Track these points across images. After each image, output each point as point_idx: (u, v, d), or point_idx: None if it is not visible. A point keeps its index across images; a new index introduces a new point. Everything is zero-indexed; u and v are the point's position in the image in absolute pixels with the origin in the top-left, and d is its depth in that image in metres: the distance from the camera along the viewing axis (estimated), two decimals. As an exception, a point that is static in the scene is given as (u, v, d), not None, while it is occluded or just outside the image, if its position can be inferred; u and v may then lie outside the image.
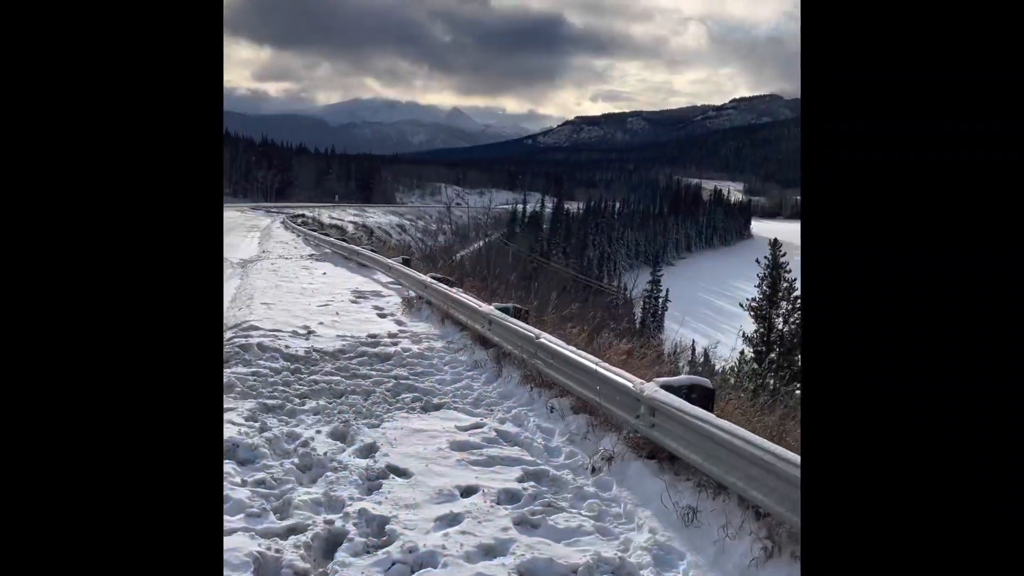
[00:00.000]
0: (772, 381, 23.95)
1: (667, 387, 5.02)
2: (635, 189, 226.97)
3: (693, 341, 36.62)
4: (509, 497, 4.54)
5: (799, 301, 29.37)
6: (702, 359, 26.59)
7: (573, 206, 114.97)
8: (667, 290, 66.03)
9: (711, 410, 4.97)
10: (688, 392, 5.00)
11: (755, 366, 27.90)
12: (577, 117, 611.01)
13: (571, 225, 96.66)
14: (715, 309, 73.62)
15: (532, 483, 4.78)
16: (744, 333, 29.43)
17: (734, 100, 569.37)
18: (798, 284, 30.23)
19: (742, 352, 28.67)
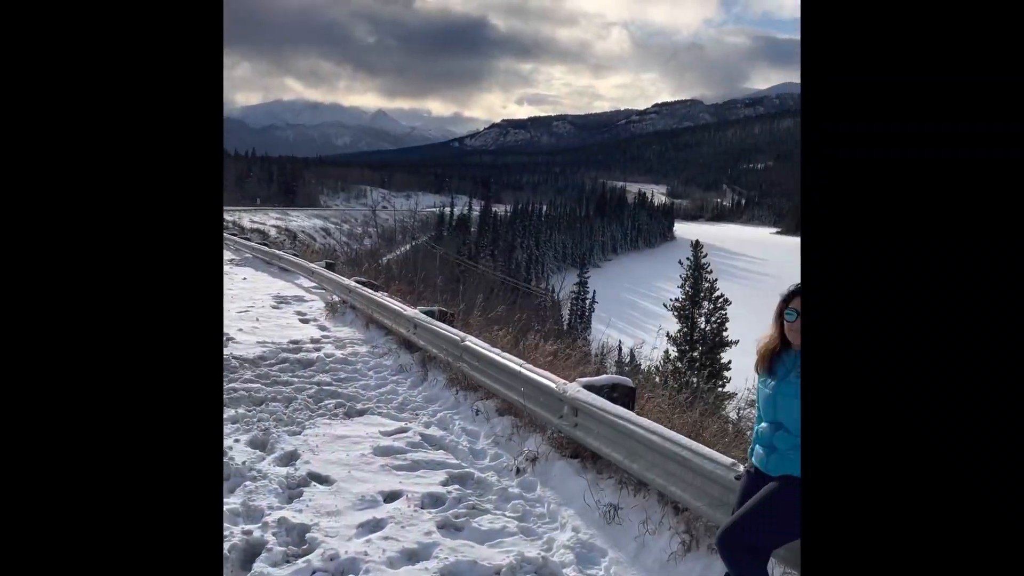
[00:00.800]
0: (695, 379, 24.57)
1: (589, 387, 5.09)
2: (562, 192, 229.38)
3: (620, 341, 37.20)
4: (433, 501, 4.52)
5: (720, 300, 30.23)
6: (628, 359, 27.02)
7: (501, 209, 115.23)
8: (594, 291, 66.91)
9: (632, 408, 5.06)
10: (610, 391, 5.08)
11: (678, 364, 28.58)
12: (503, 120, 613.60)
13: (499, 228, 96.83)
14: (641, 310, 74.97)
15: (457, 486, 4.77)
16: (668, 333, 30.05)
17: (656, 105, 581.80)
18: (719, 284, 31.12)
19: (666, 351, 29.29)
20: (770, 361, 3.03)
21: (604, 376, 5.43)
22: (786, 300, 2.99)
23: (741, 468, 3.39)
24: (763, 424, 3.07)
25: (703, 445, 3.95)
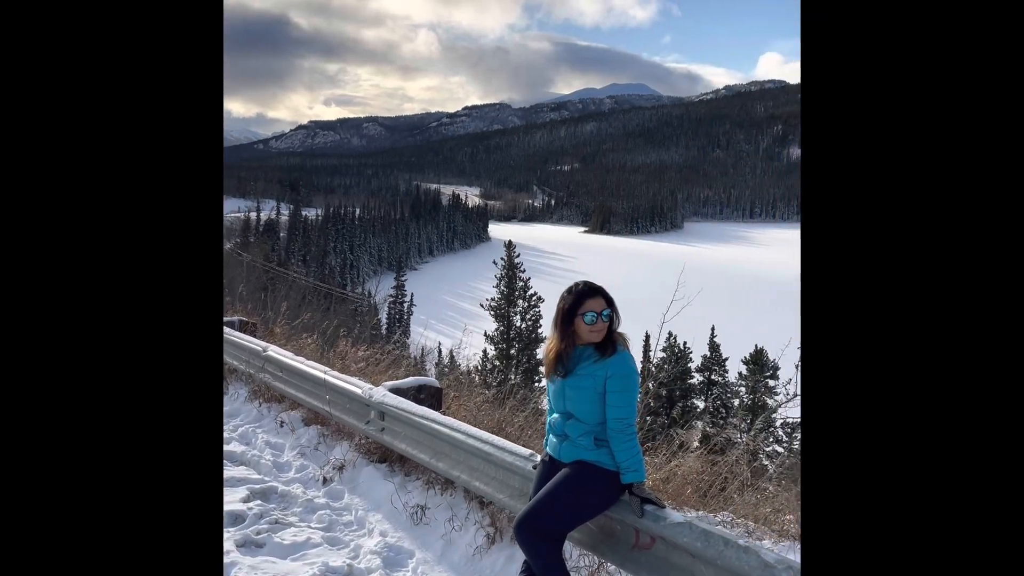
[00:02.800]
0: (513, 376, 25.19)
1: (396, 390, 5.08)
2: (375, 194, 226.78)
3: (439, 343, 37.37)
4: (233, 519, 4.31)
5: (534, 298, 31.19)
6: (448, 360, 27.20)
7: (311, 213, 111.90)
8: (412, 294, 66.71)
9: (440, 408, 5.10)
10: (416, 393, 5.09)
11: (496, 363, 29.17)
12: (311, 121, 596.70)
13: (310, 232, 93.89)
14: (459, 311, 75.77)
15: (259, 501, 4.57)
16: (485, 332, 30.57)
17: (467, 107, 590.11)
18: (533, 283, 32.10)
19: (484, 351, 29.79)
20: (557, 363, 3.11)
21: (411, 379, 5.43)
22: (576, 304, 3.04)
23: (538, 458, 3.50)
24: (555, 415, 3.20)
25: (506, 440, 4.06)
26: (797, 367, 11.52)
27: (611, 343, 3.05)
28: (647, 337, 32.07)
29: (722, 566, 2.78)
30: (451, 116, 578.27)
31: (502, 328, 31.19)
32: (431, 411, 4.66)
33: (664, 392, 28.01)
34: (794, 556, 3.54)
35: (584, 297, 3.04)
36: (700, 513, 4.10)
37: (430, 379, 5.44)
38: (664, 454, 4.82)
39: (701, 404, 30.46)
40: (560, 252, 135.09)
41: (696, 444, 7.43)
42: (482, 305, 32.85)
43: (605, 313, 3.02)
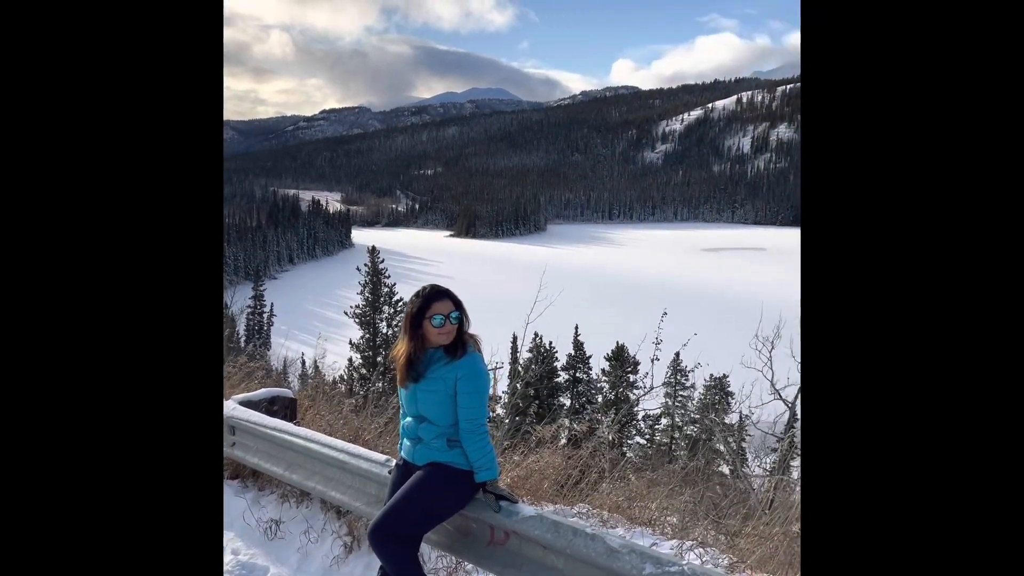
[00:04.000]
0: (380, 384, 24.84)
1: (247, 403, 4.90)
2: (229, 201, 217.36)
3: (303, 353, 36.29)
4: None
5: (400, 304, 30.92)
6: (312, 369, 26.48)
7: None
8: (272, 304, 64.33)
9: (294, 419, 4.97)
10: (269, 405, 4.94)
11: (363, 371, 28.68)
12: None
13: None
14: (323, 319, 73.91)
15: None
16: (351, 340, 30.01)
17: (324, 111, 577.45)
18: (398, 289, 31.81)
19: (350, 359, 29.24)
20: (408, 367, 3.11)
21: (263, 390, 5.25)
22: (423, 307, 3.05)
23: (394, 463, 3.49)
24: (408, 419, 3.20)
25: (362, 447, 4.01)
26: (653, 361, 12.03)
27: (461, 345, 3.09)
28: (515, 338, 32.57)
29: (571, 555, 2.88)
30: (308, 120, 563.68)
31: (368, 335, 30.72)
32: (284, 423, 4.53)
33: (532, 391, 28.53)
34: (643, 541, 3.72)
35: (431, 300, 3.06)
36: (557, 507, 4.21)
37: (283, 390, 5.29)
38: (522, 451, 4.92)
39: (567, 402, 31.24)
40: (425, 257, 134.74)
41: (563, 441, 7.63)
42: (346, 313, 32.21)
43: (453, 315, 3.06)
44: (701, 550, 3.60)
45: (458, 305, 3.10)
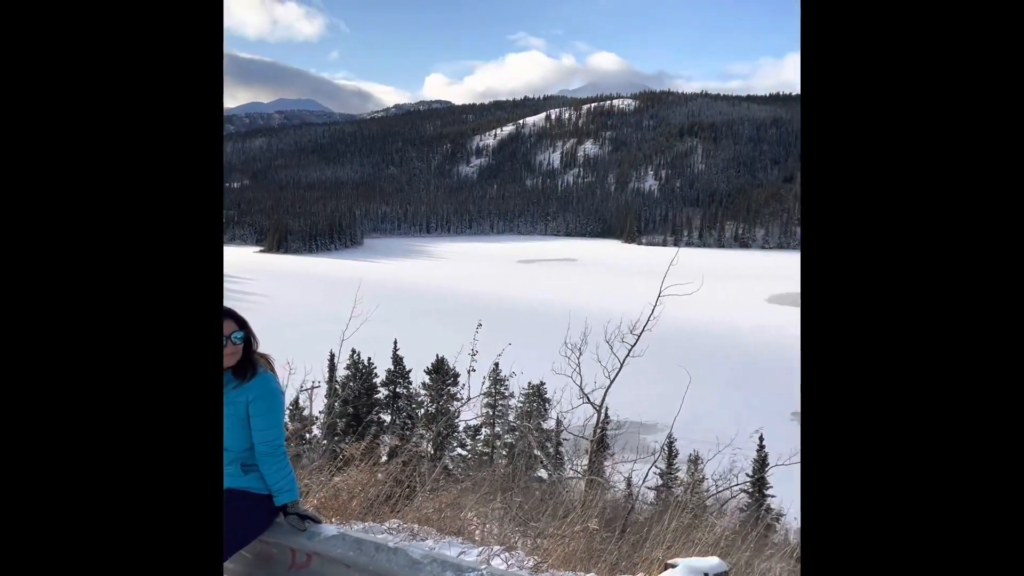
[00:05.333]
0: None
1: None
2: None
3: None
4: None
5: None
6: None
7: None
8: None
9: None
10: None
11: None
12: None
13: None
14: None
15: None
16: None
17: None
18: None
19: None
20: None
21: None
22: None
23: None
24: (199, 445, 3.05)
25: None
26: (470, 372, 12.23)
27: (250, 366, 3.00)
28: (332, 356, 31.76)
29: (374, 571, 2.88)
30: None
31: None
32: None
33: (351, 409, 27.97)
34: (452, 550, 3.77)
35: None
36: (366, 524, 4.17)
37: None
38: (328, 471, 4.82)
39: (388, 417, 30.92)
40: (235, 274, 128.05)
41: (384, 457, 7.54)
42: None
43: (236, 336, 2.96)
44: (507, 554, 3.71)
45: (242, 325, 3.00)
